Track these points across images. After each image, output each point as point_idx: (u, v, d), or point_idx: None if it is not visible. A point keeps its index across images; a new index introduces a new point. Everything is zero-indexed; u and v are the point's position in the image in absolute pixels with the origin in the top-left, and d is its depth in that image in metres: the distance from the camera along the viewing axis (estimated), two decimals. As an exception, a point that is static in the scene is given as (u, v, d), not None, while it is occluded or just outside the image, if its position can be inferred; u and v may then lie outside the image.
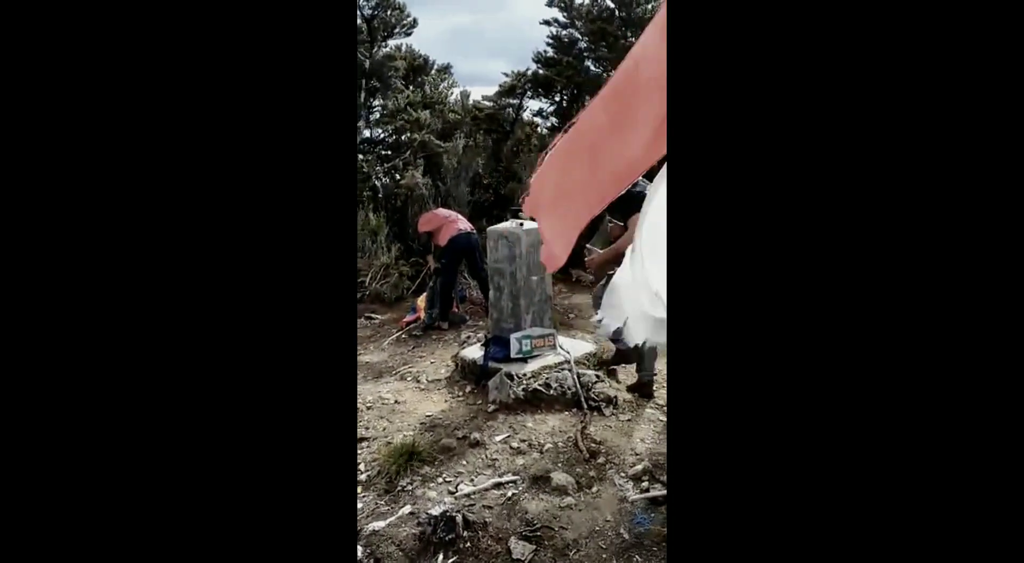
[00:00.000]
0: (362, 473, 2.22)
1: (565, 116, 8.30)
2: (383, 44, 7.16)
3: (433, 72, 8.07)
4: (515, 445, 2.31)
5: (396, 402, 2.84)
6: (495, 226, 3.04)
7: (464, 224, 4.14)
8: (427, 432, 2.50)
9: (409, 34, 7.26)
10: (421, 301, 4.38)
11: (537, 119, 8.68)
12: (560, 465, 2.15)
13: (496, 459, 2.23)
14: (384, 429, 2.57)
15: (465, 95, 8.24)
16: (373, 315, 4.70)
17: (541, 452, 2.25)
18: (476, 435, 2.39)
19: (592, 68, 7.85)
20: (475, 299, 4.71)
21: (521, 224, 2.97)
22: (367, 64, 6.89)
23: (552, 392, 2.61)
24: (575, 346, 3.18)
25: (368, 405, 2.82)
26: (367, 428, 2.59)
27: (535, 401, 2.61)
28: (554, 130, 8.44)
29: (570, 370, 2.77)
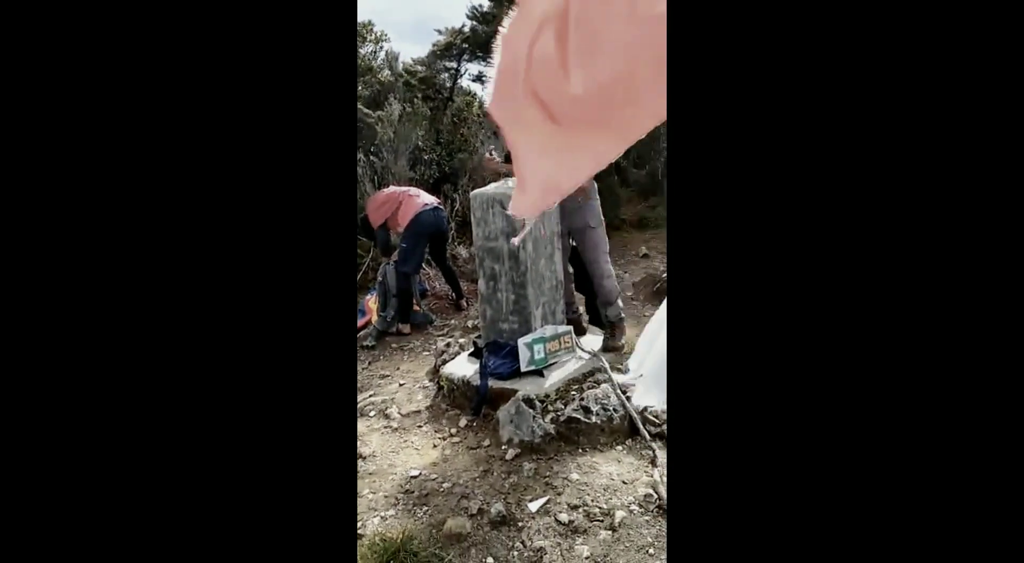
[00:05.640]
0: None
1: (507, 81, 7.44)
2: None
3: (353, 28, 6.87)
4: (564, 517, 1.49)
5: (360, 456, 1.92)
6: (480, 189, 2.14)
7: (428, 197, 3.21)
8: (418, 506, 1.62)
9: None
10: (371, 301, 3.40)
11: (476, 86, 7.79)
12: (655, 548, 1.36)
13: (542, 548, 1.40)
14: (348, 508, 1.65)
15: (393, 56, 7.13)
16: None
17: (612, 527, 1.44)
18: (499, 506, 1.54)
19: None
20: (439, 292, 3.79)
21: (520, 181, 2.10)
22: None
23: (595, 419, 1.80)
24: (589, 342, 2.39)
25: (317, 466, 1.87)
26: (320, 509, 1.65)
27: (573, 436, 1.79)
28: (496, 97, 7.59)
29: (609, 381, 1.98)
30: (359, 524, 1.56)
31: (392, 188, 3.37)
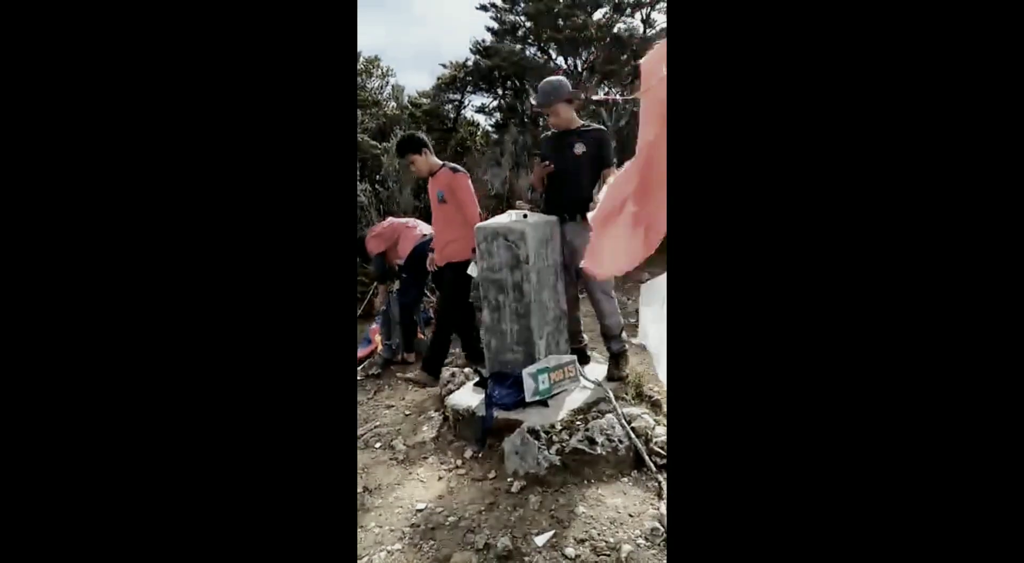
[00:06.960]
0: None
1: (510, 111, 7.60)
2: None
3: (360, 61, 7.10)
4: (571, 552, 1.48)
5: (366, 489, 1.92)
6: (484, 222, 2.20)
7: (426, 228, 3.26)
8: (424, 540, 1.61)
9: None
10: (376, 332, 3.43)
11: (479, 116, 7.97)
12: (660, 585, 1.35)
13: (550, 584, 1.39)
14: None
15: (399, 90, 7.34)
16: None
17: (619, 562, 1.43)
18: (505, 540, 1.53)
19: (536, 54, 7.23)
20: (443, 320, 3.81)
21: (525, 215, 2.15)
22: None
23: (600, 450, 1.81)
24: (593, 371, 2.40)
25: (323, 499, 1.87)
26: (326, 543, 1.65)
27: (578, 467, 1.79)
28: (499, 127, 7.74)
29: (614, 411, 1.98)
30: (366, 559, 1.56)
31: (391, 220, 3.43)
